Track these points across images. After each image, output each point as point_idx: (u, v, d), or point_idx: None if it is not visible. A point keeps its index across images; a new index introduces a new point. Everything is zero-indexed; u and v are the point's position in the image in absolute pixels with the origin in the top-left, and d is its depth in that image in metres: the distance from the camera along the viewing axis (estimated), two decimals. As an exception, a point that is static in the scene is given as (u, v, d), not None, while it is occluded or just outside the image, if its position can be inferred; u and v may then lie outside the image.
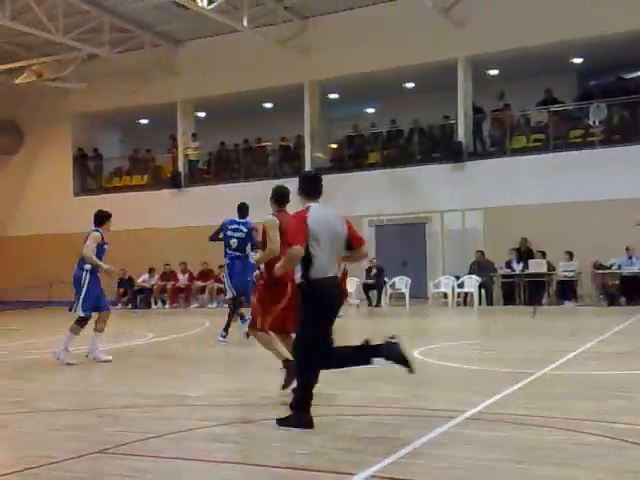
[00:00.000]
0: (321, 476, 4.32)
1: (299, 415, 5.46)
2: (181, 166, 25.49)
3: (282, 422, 5.49)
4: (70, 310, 9.92)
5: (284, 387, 6.52)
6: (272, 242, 6.83)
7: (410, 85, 23.68)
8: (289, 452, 4.88)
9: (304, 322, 5.58)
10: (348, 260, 6.61)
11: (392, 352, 5.55)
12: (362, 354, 5.70)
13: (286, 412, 5.57)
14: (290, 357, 6.47)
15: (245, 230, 11.57)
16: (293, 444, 5.06)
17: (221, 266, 20.42)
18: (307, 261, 5.46)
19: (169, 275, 23.10)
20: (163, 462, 4.75)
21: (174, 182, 25.27)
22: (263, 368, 8.91)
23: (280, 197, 7.06)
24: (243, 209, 11.71)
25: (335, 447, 4.92)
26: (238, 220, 11.66)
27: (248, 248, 11.60)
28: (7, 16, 19.71)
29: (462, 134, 21.60)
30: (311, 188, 5.80)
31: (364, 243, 6.03)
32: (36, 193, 27.09)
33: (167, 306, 22.64)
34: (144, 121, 27.97)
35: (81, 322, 9.64)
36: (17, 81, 24.33)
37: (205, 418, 6.01)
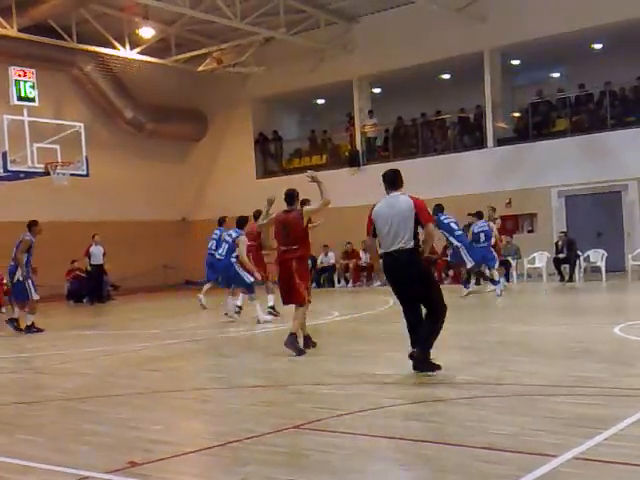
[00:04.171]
0: (521, 457, 4.13)
1: None
2: (359, 144, 25.55)
3: None
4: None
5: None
6: None
7: (598, 46, 22.22)
8: (485, 432, 4.70)
9: None
10: None
11: None
12: None
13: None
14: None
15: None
16: (489, 424, 4.89)
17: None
18: None
19: (351, 254, 23.29)
20: (358, 439, 4.75)
21: (352, 160, 25.38)
22: (454, 347, 8.71)
23: None
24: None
25: (534, 428, 4.71)
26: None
27: None
28: (187, 5, 20.38)
29: (659, 94, 20.00)
30: None
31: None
32: (220, 177, 28.13)
33: (350, 285, 22.86)
34: (321, 101, 28.29)
35: None
36: (199, 69, 25.23)
37: (396, 396, 5.96)
